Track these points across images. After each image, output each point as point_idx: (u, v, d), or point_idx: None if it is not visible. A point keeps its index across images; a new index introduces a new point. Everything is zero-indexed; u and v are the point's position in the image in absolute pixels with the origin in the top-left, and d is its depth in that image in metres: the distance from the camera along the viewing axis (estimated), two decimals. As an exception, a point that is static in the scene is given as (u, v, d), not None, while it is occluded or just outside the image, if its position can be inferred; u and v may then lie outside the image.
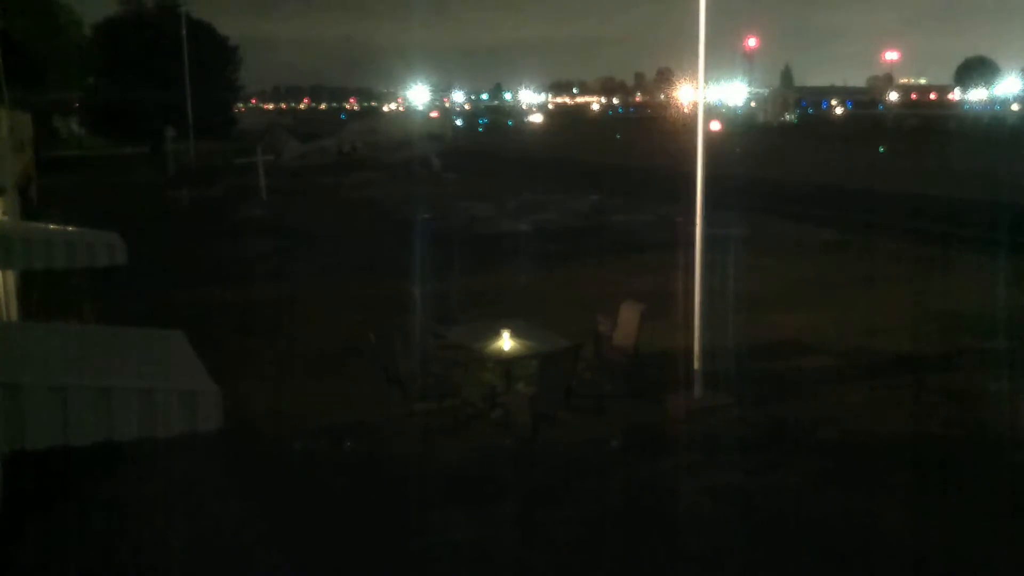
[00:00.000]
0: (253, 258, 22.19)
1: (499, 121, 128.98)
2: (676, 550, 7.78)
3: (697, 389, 11.05)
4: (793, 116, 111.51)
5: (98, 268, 9.73)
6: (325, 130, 72.53)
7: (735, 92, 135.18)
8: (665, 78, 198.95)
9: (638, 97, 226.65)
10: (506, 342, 10.63)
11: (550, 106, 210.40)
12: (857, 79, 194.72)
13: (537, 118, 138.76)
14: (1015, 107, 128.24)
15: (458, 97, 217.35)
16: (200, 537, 8.08)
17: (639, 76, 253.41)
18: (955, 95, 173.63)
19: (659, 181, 35.84)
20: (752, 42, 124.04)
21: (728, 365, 11.90)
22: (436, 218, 28.65)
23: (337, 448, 9.94)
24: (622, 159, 55.58)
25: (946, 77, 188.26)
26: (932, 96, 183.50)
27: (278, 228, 27.17)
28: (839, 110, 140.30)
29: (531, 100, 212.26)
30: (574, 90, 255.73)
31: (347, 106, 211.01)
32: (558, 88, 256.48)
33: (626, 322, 11.74)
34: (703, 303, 11.16)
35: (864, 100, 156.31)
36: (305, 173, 45.30)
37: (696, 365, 11.05)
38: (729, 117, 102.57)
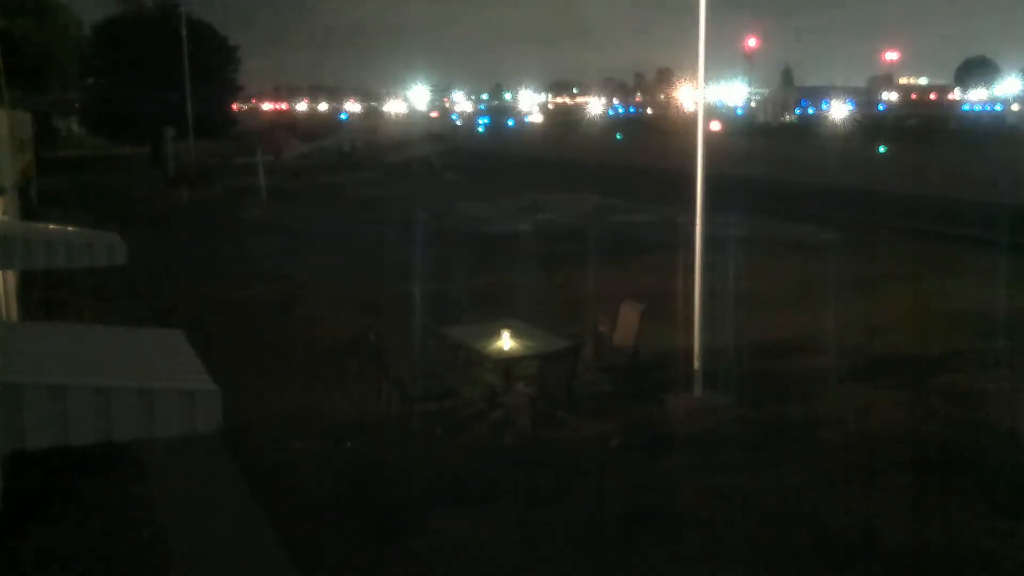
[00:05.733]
0: (253, 258, 22.19)
1: (499, 121, 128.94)
2: (676, 550, 7.78)
3: (697, 389, 11.04)
4: (793, 116, 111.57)
5: (98, 268, 9.72)
6: (325, 130, 72.51)
7: (735, 92, 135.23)
8: (665, 78, 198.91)
9: (638, 97, 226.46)
10: (506, 342, 10.63)
11: (550, 106, 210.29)
12: (857, 79, 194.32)
13: (537, 118, 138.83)
14: (1015, 107, 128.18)
15: (458, 97, 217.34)
16: (200, 537, 8.08)
17: (639, 76, 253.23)
18: (955, 95, 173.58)
19: (659, 181, 35.85)
20: (752, 42, 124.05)
21: (728, 365, 11.90)
22: (435, 218, 28.66)
23: (337, 448, 9.94)
24: (622, 159, 55.60)
25: (946, 77, 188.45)
26: (932, 96, 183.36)
27: (278, 228, 27.18)
28: (839, 110, 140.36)
29: (531, 100, 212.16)
30: (574, 90, 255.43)
31: (347, 106, 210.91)
32: (558, 88, 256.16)
33: (626, 322, 11.75)
34: (703, 303, 11.16)
35: (864, 100, 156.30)
36: (305, 173, 45.31)
37: (696, 365, 11.04)
38: (729, 117, 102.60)
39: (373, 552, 7.75)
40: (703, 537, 7.98)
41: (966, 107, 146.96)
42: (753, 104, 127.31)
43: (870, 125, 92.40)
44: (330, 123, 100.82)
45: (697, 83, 11.55)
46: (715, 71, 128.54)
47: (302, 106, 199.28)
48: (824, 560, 7.59)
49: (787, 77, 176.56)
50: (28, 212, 18.52)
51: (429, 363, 11.32)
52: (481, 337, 10.92)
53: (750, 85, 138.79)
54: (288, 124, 79.59)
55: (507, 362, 10.70)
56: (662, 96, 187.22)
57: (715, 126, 72.01)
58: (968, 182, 36.18)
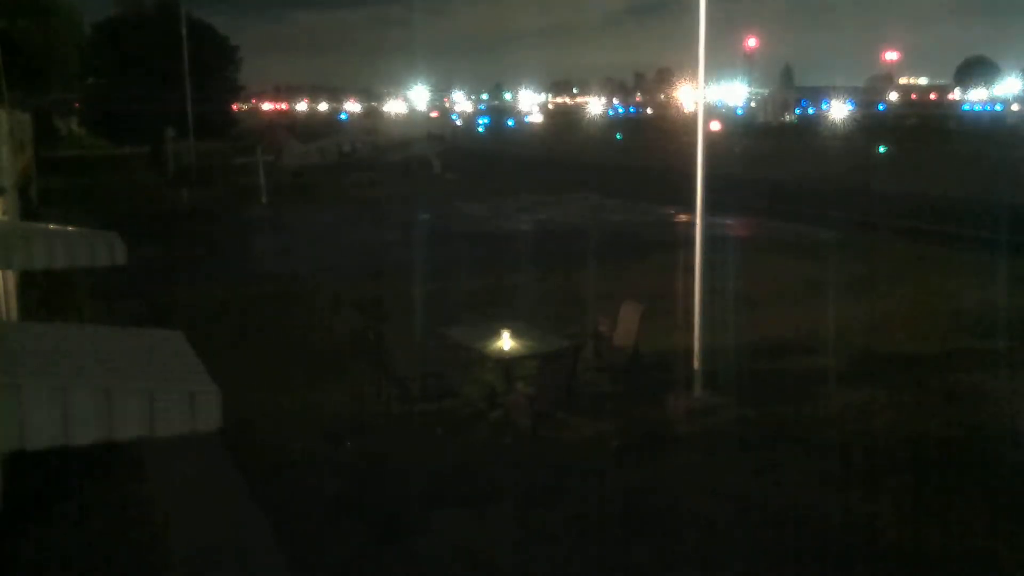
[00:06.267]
0: (253, 258, 22.20)
1: (499, 121, 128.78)
2: (676, 550, 7.78)
3: (697, 389, 11.05)
4: (793, 116, 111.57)
5: (98, 268, 9.71)
6: (325, 130, 72.49)
7: (735, 92, 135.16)
8: (665, 78, 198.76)
9: (638, 97, 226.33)
10: (506, 342, 10.63)
11: (550, 106, 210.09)
12: (857, 79, 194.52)
13: (537, 118, 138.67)
14: (1015, 107, 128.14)
15: (458, 97, 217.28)
16: (200, 537, 8.08)
17: (639, 76, 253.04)
18: (955, 95, 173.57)
19: (659, 181, 35.85)
20: (752, 42, 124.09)
21: (728, 365, 11.90)
22: (436, 218, 28.66)
23: (337, 448, 9.94)
24: (622, 159, 55.60)
25: (946, 77, 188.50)
26: (932, 96, 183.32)
27: (278, 228, 27.18)
28: (839, 110, 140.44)
29: (531, 100, 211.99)
30: (574, 90, 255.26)
31: (347, 106, 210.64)
32: (558, 88, 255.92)
33: (626, 322, 11.75)
34: (703, 303, 11.16)
35: (864, 100, 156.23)
36: (305, 173, 45.26)
37: (696, 365, 11.05)
38: (729, 117, 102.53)
39: (373, 552, 7.75)
40: (703, 537, 7.98)
41: (966, 107, 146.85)
42: (753, 104, 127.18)
43: (870, 125, 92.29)
44: (330, 123, 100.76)
45: (697, 83, 11.56)
46: (715, 71, 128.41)
47: (302, 106, 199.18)
48: (824, 560, 7.59)
49: (787, 77, 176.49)
50: (28, 212, 18.50)
51: (429, 363, 11.31)
52: (481, 337, 10.92)
53: (750, 85, 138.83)
54: (288, 124, 79.56)
55: (507, 362, 10.70)
56: (662, 96, 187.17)
57: (715, 126, 71.98)
58: (963, 180, 36.18)
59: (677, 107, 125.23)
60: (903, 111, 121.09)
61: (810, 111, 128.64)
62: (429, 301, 16.23)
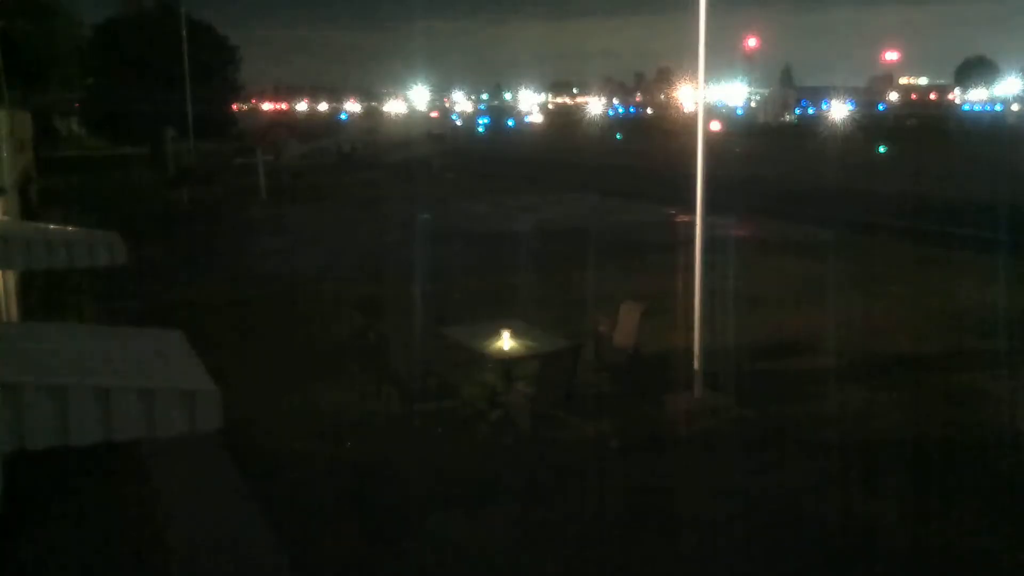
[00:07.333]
0: (252, 258, 22.19)
1: (499, 121, 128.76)
2: (676, 550, 7.78)
3: (697, 389, 11.04)
4: (793, 116, 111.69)
5: (98, 268, 9.71)
6: (325, 130, 72.56)
7: (735, 92, 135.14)
8: (665, 78, 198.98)
9: (638, 97, 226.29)
10: (506, 342, 10.62)
11: (550, 106, 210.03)
12: (857, 79, 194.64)
13: (537, 118, 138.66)
14: (1015, 107, 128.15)
15: (458, 97, 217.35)
16: (199, 538, 8.08)
17: (639, 76, 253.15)
18: (955, 95, 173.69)
19: (659, 181, 35.85)
20: (752, 42, 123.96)
21: (728, 365, 11.90)
22: (436, 218, 28.66)
23: (337, 448, 9.93)
24: (622, 159, 55.62)
25: (946, 77, 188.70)
26: (932, 96, 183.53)
27: (278, 228, 27.18)
28: (839, 110, 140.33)
29: (531, 100, 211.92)
30: (574, 90, 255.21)
31: (347, 106, 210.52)
32: (558, 88, 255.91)
33: (626, 322, 11.74)
34: (703, 303, 11.16)
35: (864, 100, 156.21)
36: (305, 173, 45.29)
37: (696, 365, 11.04)
38: (730, 117, 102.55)
39: (372, 552, 7.75)
40: (703, 537, 7.98)
41: (966, 107, 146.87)
42: (753, 104, 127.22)
43: (870, 125, 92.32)
44: (330, 123, 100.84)
45: (697, 83, 11.56)
46: (715, 71, 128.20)
47: (302, 106, 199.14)
48: (824, 560, 7.59)
49: (787, 77, 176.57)
50: (28, 212, 18.47)
51: (429, 363, 11.31)
52: (481, 337, 10.91)
53: (750, 85, 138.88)
54: (288, 124, 79.59)
55: (507, 362, 10.69)
56: (662, 96, 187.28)
57: (715, 126, 72.02)
58: (963, 181, 36.21)
59: (677, 107, 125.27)
60: (904, 111, 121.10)
61: (810, 111, 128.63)
62: (429, 301, 16.22)
